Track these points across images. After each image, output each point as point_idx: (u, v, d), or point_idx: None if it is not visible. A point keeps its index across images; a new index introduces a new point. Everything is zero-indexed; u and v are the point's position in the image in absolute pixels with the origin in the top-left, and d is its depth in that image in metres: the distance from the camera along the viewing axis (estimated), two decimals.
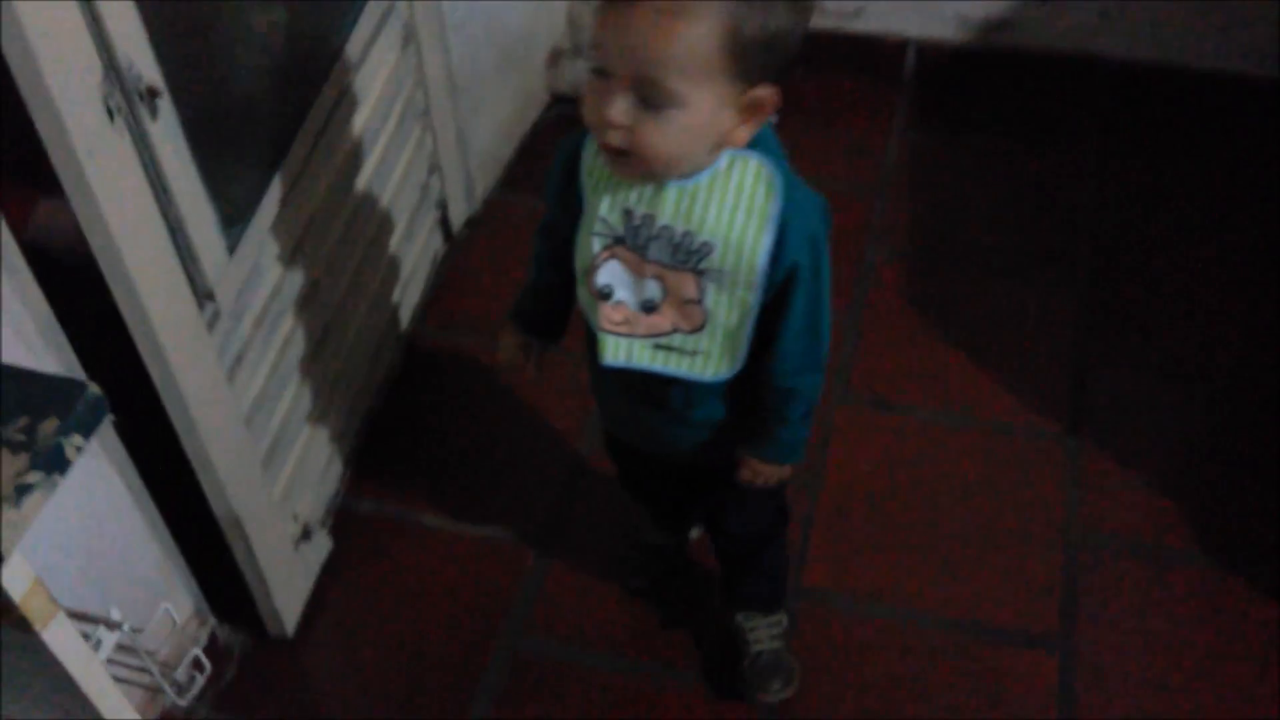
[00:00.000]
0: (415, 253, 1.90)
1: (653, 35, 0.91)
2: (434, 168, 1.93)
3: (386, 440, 1.80)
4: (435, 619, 1.59)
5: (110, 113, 1.05)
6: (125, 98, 1.07)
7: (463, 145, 1.99)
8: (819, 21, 2.28)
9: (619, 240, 1.06)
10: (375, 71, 1.66)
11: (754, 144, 1.02)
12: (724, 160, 1.02)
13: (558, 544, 1.67)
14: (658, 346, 1.10)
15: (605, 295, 1.09)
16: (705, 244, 1.03)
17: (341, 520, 1.69)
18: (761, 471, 1.24)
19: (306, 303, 1.52)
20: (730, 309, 1.07)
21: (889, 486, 1.71)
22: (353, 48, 1.57)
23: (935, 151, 2.20)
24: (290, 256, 1.46)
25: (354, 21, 1.57)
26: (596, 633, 1.57)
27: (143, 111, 1.09)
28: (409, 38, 1.75)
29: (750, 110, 0.98)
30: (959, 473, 1.72)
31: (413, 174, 1.84)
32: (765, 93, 0.98)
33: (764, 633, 1.47)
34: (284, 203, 1.42)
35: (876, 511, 1.68)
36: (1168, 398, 1.80)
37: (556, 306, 1.25)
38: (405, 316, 1.90)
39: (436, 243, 2.01)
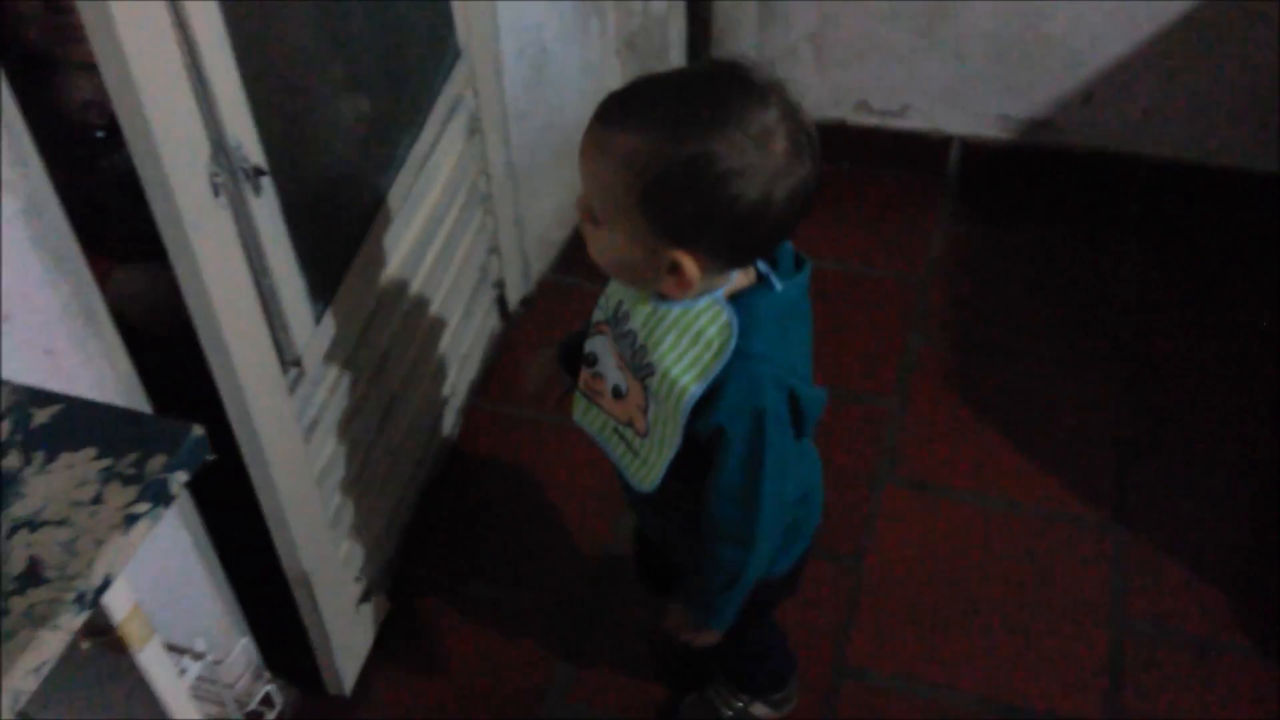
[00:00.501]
0: (474, 329, 1.98)
1: (584, 160, 1.00)
2: (493, 249, 2.01)
3: (441, 508, 1.85)
4: (483, 686, 1.63)
5: (216, 189, 1.13)
6: (231, 175, 1.15)
7: (520, 229, 2.08)
8: (865, 119, 2.37)
9: (607, 321, 1.13)
10: (443, 159, 1.75)
11: (751, 306, 1.03)
12: (703, 302, 1.03)
13: (598, 613, 1.71)
14: (614, 429, 1.16)
15: (590, 362, 1.16)
16: (650, 365, 1.07)
17: (398, 584, 1.74)
18: (681, 622, 1.24)
19: (376, 373, 1.59)
20: (662, 432, 1.10)
21: (933, 569, 1.74)
22: (425, 137, 1.67)
23: (979, 244, 2.26)
24: (364, 329, 1.53)
25: (427, 113, 1.67)
26: (634, 703, 1.61)
27: (246, 188, 1.17)
28: (474, 128, 1.85)
29: (674, 269, 1.00)
30: (1003, 557, 1.75)
31: (474, 255, 1.92)
32: (684, 260, 0.98)
33: (720, 695, 1.53)
34: (362, 278, 1.50)
35: (920, 593, 1.71)
36: (1212, 487, 1.82)
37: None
38: (462, 390, 1.97)
39: (493, 320, 2.09)
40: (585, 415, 1.19)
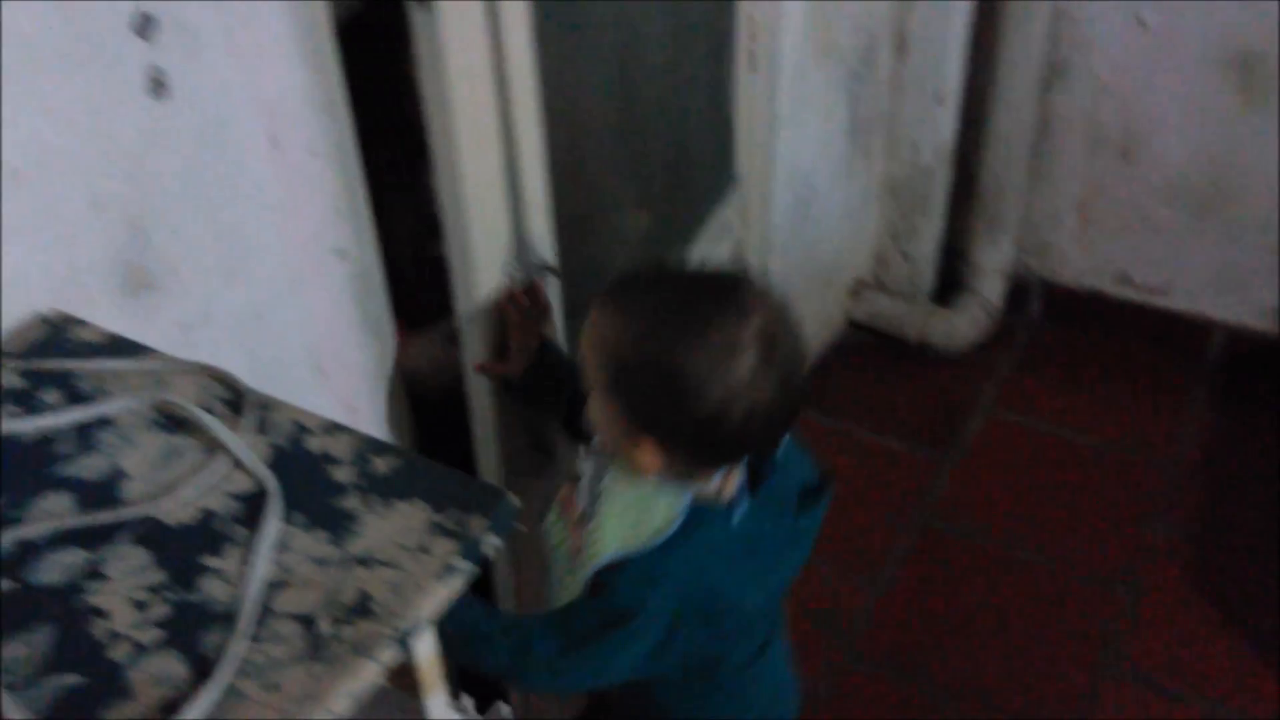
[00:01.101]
0: None
1: (584, 327, 1.02)
2: None
3: None
4: None
5: (510, 279, 1.23)
6: (524, 268, 1.24)
7: None
8: (1125, 292, 2.32)
9: (597, 451, 1.12)
10: None
11: (703, 520, 1.02)
12: (668, 493, 1.02)
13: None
14: (566, 550, 1.13)
15: (575, 478, 1.14)
16: (594, 512, 1.07)
17: None
18: None
19: None
20: (580, 573, 1.06)
21: None
22: (693, 254, 1.75)
23: (1235, 438, 2.16)
24: None
25: (698, 232, 1.75)
26: None
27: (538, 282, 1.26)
28: (739, 253, 1.92)
29: (639, 456, 1.00)
30: None
31: None
32: (645, 445, 0.99)
33: None
34: None
35: None
36: None
37: (545, 388, 1.26)
38: None
39: None
40: (552, 526, 1.17)
